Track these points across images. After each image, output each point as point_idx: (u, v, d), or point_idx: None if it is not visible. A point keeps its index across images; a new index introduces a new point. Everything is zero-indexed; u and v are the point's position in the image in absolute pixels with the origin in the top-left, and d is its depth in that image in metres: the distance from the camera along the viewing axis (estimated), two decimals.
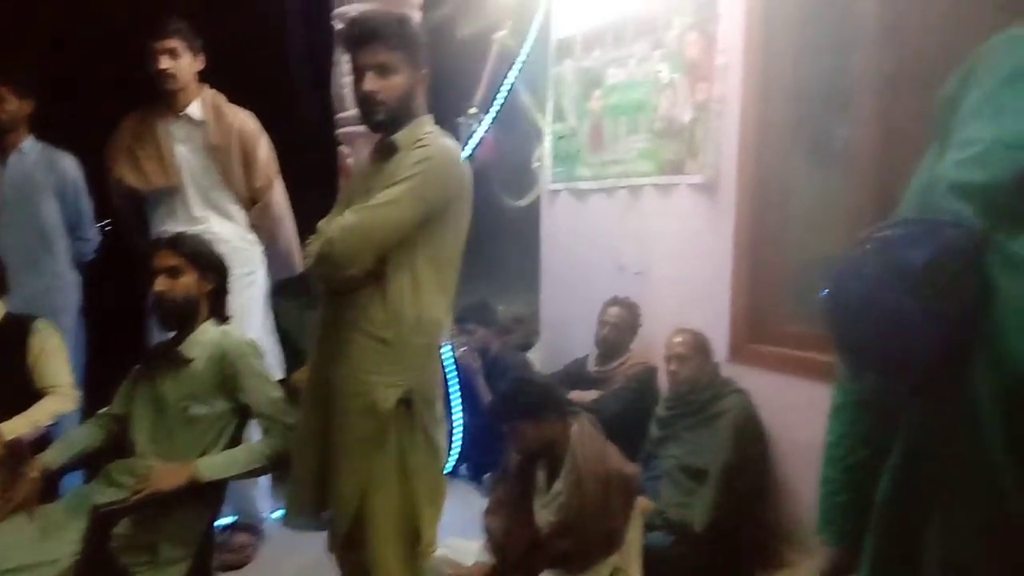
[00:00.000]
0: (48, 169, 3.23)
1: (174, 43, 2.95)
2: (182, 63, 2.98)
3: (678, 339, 2.95)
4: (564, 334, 3.98)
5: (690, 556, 2.64)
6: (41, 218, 3.21)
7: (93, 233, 3.43)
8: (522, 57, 3.87)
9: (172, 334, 2.29)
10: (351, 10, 2.59)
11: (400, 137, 1.99)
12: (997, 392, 0.81)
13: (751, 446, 2.78)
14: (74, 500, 2.19)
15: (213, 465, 2.12)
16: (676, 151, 3.23)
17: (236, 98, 3.17)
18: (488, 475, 3.56)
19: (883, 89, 2.47)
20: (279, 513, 2.98)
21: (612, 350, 3.42)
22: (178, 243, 2.26)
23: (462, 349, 3.79)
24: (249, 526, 3.15)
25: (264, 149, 3.16)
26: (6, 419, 2.33)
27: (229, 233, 3.07)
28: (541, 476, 2.55)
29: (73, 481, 2.53)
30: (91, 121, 3.25)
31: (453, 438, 3.71)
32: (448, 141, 2.04)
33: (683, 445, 2.87)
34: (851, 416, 1.08)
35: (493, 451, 2.96)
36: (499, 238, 4.25)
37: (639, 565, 2.44)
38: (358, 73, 1.97)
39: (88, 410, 2.56)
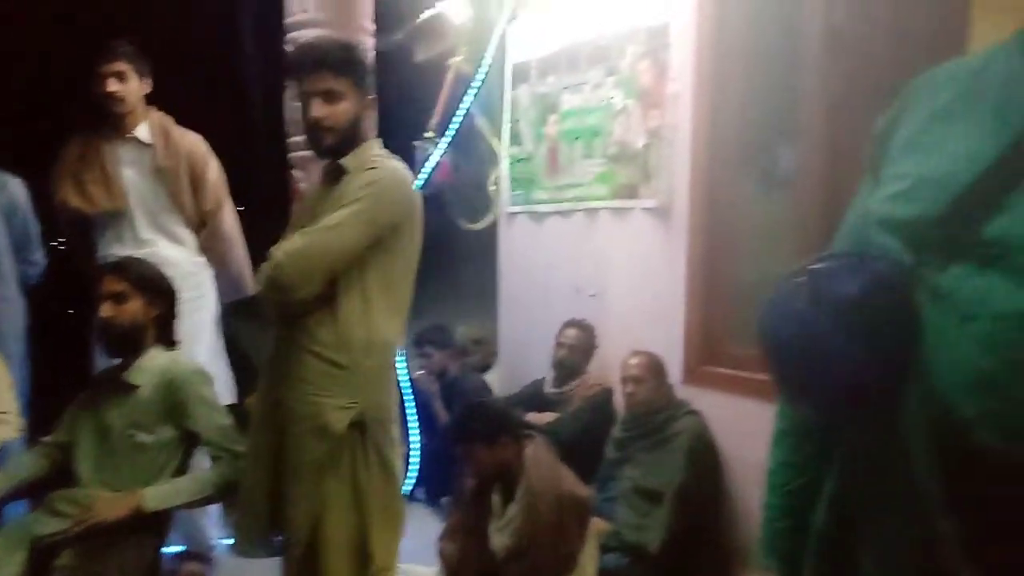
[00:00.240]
0: None
1: (121, 66, 2.91)
2: (130, 86, 2.94)
3: (634, 361, 2.98)
4: (523, 355, 3.99)
5: None
6: None
7: (40, 256, 3.35)
8: (478, 82, 3.90)
9: (118, 360, 2.24)
10: (303, 35, 2.58)
11: (349, 161, 2.00)
12: (925, 424, 0.83)
13: (705, 467, 2.81)
14: (15, 531, 2.13)
15: (158, 495, 2.08)
16: (630, 176, 3.28)
17: (188, 121, 3.14)
18: (446, 498, 3.54)
19: (829, 115, 2.53)
20: (229, 540, 2.92)
21: (569, 372, 3.43)
22: (124, 268, 2.22)
23: (419, 372, 3.77)
24: (198, 555, 3.09)
25: (213, 171, 3.13)
26: None
27: (178, 256, 3.03)
28: (496, 500, 2.54)
29: (16, 511, 2.46)
30: (35, 143, 3.19)
31: (410, 461, 3.68)
32: (396, 164, 2.05)
33: (638, 467, 2.89)
34: (792, 443, 1.09)
35: (451, 474, 2.95)
36: (458, 260, 4.26)
37: None
38: (305, 100, 1.97)
39: (32, 438, 2.50)
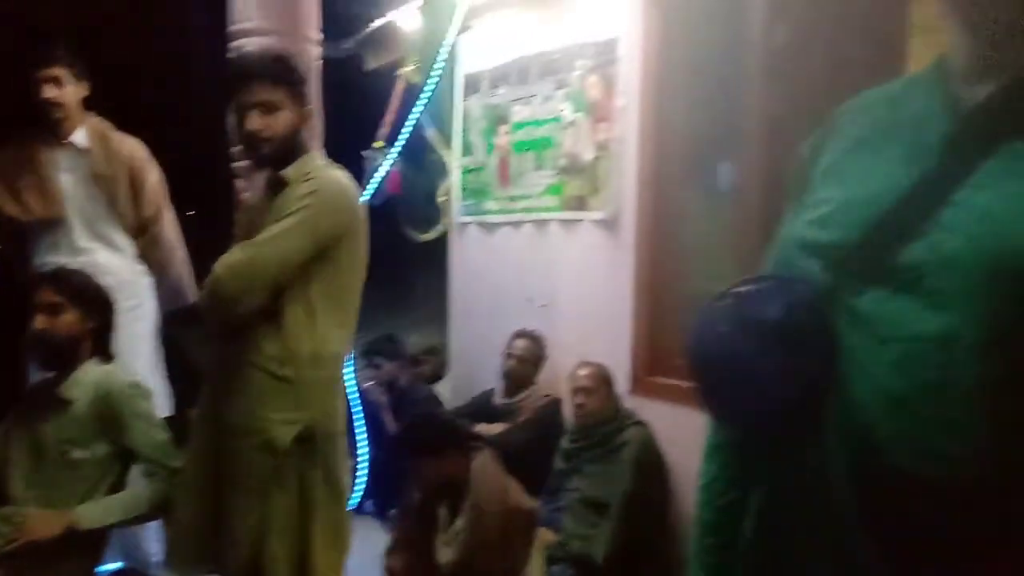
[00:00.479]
0: None
1: (58, 71, 2.84)
2: (66, 91, 2.87)
3: (583, 372, 2.99)
4: (474, 366, 3.98)
5: None
6: None
7: None
8: (428, 92, 3.90)
9: (52, 374, 2.18)
10: (247, 44, 2.55)
11: (289, 172, 1.98)
12: (844, 444, 0.85)
13: (651, 477, 2.83)
14: None
15: (92, 512, 2.03)
16: (580, 188, 3.30)
17: (130, 127, 3.07)
18: (394, 511, 3.51)
19: (768, 134, 2.59)
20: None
21: (518, 382, 3.43)
22: (59, 279, 2.17)
23: (368, 384, 3.74)
24: (138, 571, 3.01)
25: (153, 177, 3.07)
26: None
27: (116, 265, 2.96)
28: (443, 513, 2.53)
29: None
30: None
31: (358, 473, 3.64)
32: (338, 173, 2.03)
33: (586, 478, 2.90)
34: (723, 458, 1.11)
35: (400, 487, 2.93)
36: (409, 271, 4.24)
37: None
38: (241, 112, 1.96)
39: None
